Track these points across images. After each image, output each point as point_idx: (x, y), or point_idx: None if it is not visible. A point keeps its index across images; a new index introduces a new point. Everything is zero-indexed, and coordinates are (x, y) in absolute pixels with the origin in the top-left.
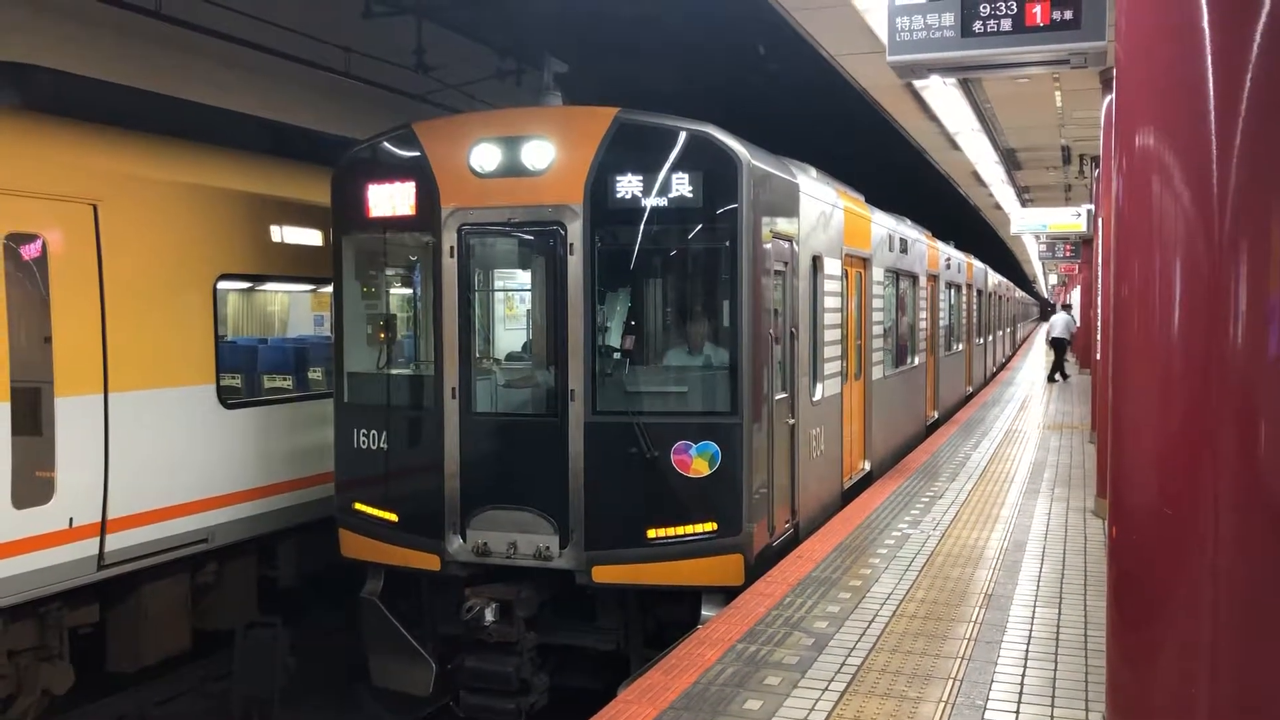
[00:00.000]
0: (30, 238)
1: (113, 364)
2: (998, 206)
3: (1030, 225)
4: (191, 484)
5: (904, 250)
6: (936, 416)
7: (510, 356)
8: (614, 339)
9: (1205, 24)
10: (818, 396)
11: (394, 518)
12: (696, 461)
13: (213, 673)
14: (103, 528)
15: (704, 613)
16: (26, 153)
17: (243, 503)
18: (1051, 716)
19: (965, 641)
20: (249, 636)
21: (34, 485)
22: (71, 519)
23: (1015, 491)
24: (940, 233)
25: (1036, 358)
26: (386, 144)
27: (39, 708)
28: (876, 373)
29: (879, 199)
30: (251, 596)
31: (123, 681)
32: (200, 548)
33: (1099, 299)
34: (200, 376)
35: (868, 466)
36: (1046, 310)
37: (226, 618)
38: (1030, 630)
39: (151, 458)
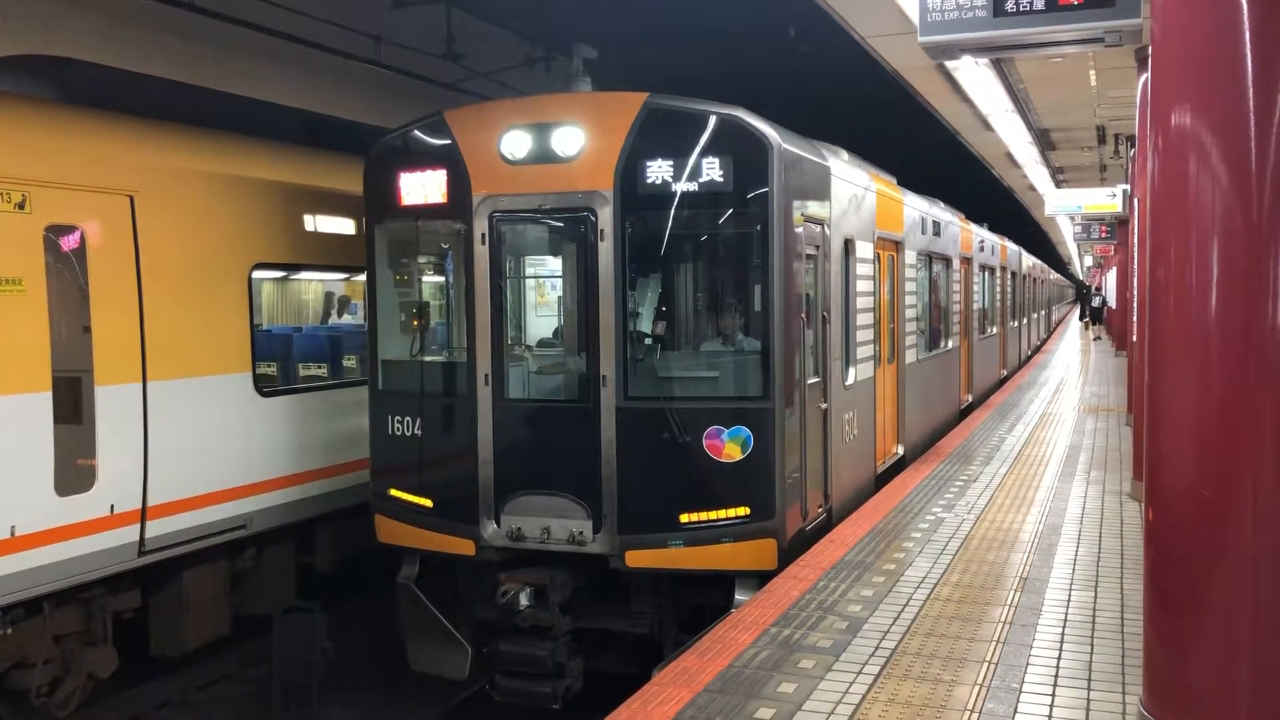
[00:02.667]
0: (69, 229)
1: (150, 353)
2: (1031, 188)
3: (1065, 206)
4: (229, 471)
5: (937, 233)
6: (971, 400)
7: (542, 343)
8: (645, 324)
9: None
10: (850, 381)
11: (429, 503)
12: (729, 446)
13: (252, 657)
14: (143, 514)
15: (737, 597)
16: (63, 145)
17: (279, 489)
18: (1087, 700)
19: (1000, 625)
20: (287, 621)
21: (76, 473)
22: (112, 506)
23: (1051, 475)
24: (974, 215)
25: (1072, 340)
26: (418, 132)
27: (84, 691)
28: (910, 356)
29: (911, 182)
30: (289, 582)
31: (164, 666)
32: (238, 534)
33: (1135, 280)
34: (237, 365)
35: (901, 451)
36: (1081, 292)
37: (265, 603)
38: (1066, 614)
39: (190, 445)
